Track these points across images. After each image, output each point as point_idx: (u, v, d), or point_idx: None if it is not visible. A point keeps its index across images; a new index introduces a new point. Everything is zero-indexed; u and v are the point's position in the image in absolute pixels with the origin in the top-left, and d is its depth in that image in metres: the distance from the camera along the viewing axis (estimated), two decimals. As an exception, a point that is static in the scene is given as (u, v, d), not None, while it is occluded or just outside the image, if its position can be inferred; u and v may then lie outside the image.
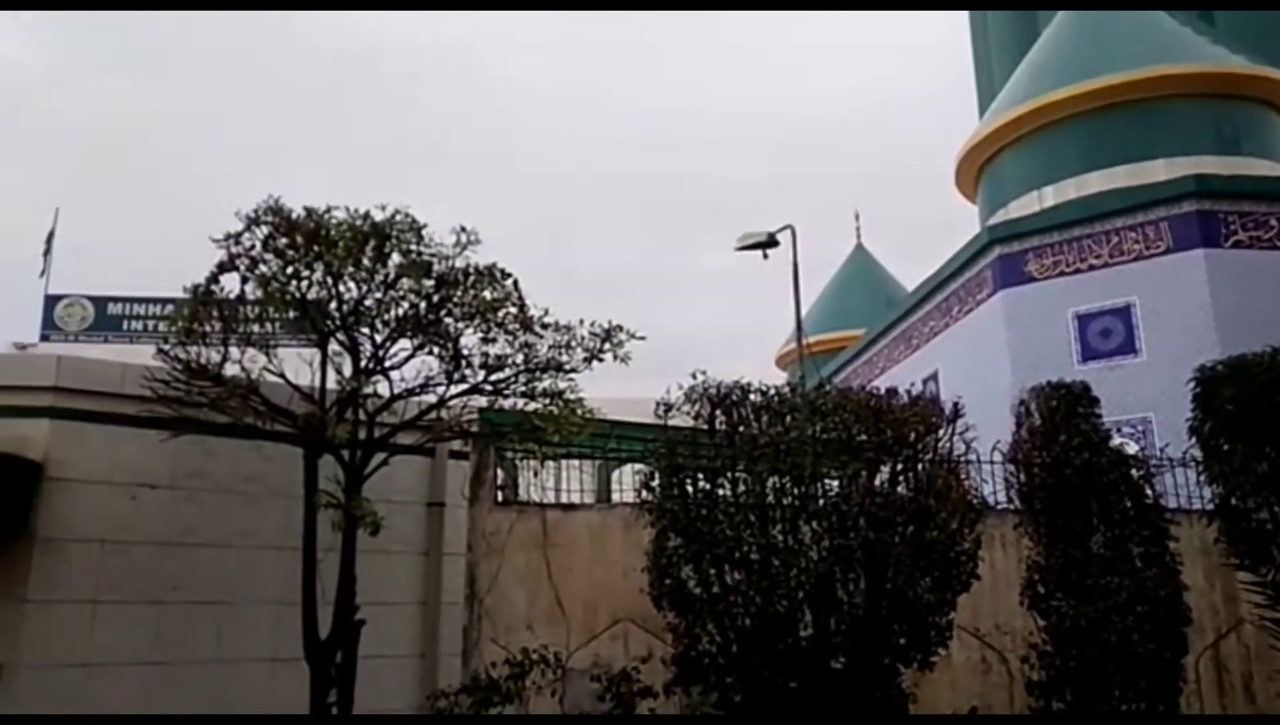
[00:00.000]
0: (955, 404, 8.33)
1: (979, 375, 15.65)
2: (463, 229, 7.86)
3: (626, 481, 11.42)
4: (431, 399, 8.20)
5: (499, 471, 10.57)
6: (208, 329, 7.44)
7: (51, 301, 25.86)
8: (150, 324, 30.41)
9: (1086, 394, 8.75)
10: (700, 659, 8.04)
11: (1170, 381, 12.36)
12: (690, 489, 8.04)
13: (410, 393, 7.94)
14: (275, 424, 7.67)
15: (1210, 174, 15.48)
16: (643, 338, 8.19)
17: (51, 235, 26.84)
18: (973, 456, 8.70)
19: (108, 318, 28.74)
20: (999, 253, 16.18)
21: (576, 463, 11.44)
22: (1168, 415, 10.44)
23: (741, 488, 7.86)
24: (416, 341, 8.09)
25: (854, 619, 7.60)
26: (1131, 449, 10.02)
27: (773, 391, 8.05)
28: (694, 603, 7.99)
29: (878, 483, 7.71)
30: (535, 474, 10.60)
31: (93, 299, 26.88)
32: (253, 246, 7.56)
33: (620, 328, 8.20)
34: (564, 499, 10.86)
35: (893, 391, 8.46)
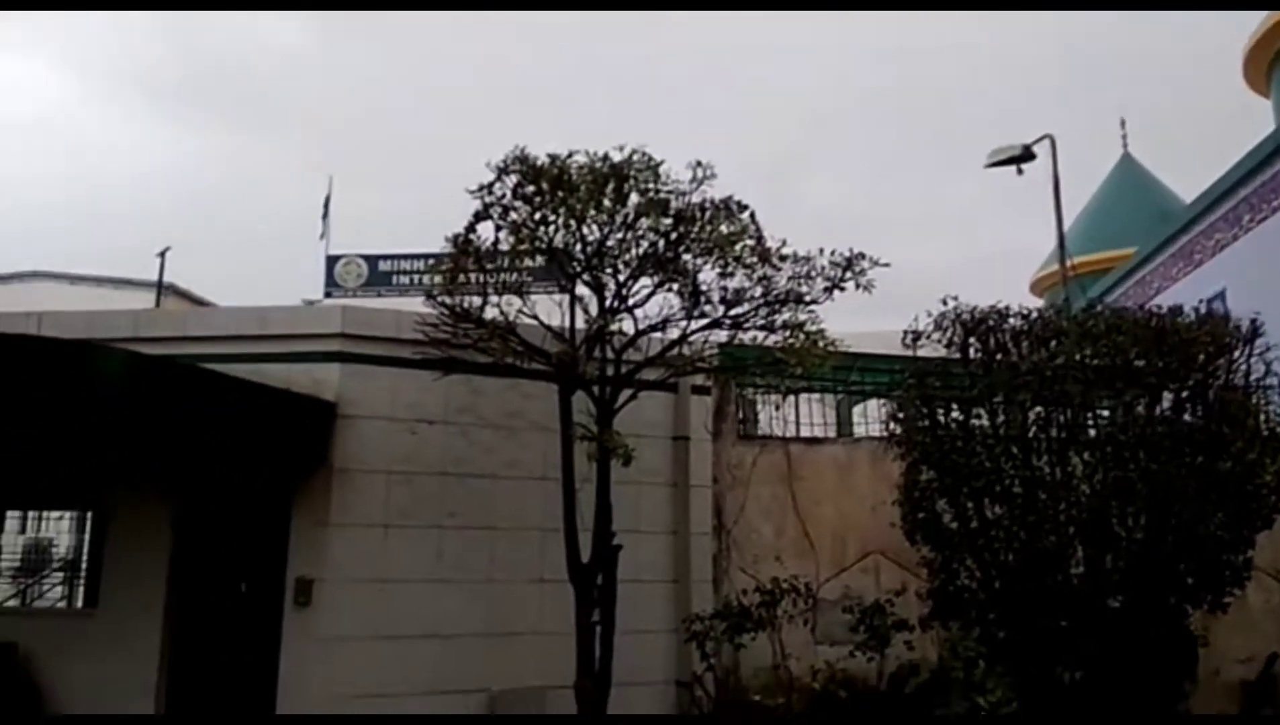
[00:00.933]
0: (1253, 321, 7.38)
1: (1277, 290, 13.76)
2: (699, 164, 7.86)
3: (870, 415, 11.14)
4: (674, 335, 8.35)
5: (740, 406, 10.64)
6: (469, 277, 7.95)
7: (331, 261, 28.68)
8: (416, 278, 32.99)
9: None
10: (959, 594, 7.77)
11: None
12: (943, 420, 7.70)
13: (653, 329, 8.11)
14: (532, 363, 8.11)
15: None
16: (887, 265, 7.88)
17: (328, 201, 29.67)
18: (1273, 380, 7.69)
19: (379, 273, 31.46)
20: (1302, 149, 14.07)
21: (818, 396, 11.29)
22: None
23: (1000, 418, 7.42)
24: (657, 279, 8.24)
25: (1133, 556, 7.03)
26: None
27: (1035, 315, 7.50)
28: (950, 537, 7.72)
29: (1158, 411, 7.01)
30: (777, 408, 10.61)
31: (366, 258, 29.61)
32: (503, 195, 7.95)
33: (862, 255, 7.93)
34: (804, 433, 10.77)
35: (1176, 310, 7.65)
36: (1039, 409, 7.12)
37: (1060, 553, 7.14)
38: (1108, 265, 25.30)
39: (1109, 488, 6.86)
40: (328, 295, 27.59)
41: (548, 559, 9.01)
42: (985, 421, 7.58)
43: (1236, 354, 7.29)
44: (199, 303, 28.78)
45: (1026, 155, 11.43)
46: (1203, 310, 8.13)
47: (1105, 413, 7.26)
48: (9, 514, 9.16)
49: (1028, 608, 7.35)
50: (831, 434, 10.99)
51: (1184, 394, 7.10)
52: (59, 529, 9.02)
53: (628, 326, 8.16)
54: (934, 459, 7.65)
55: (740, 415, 10.48)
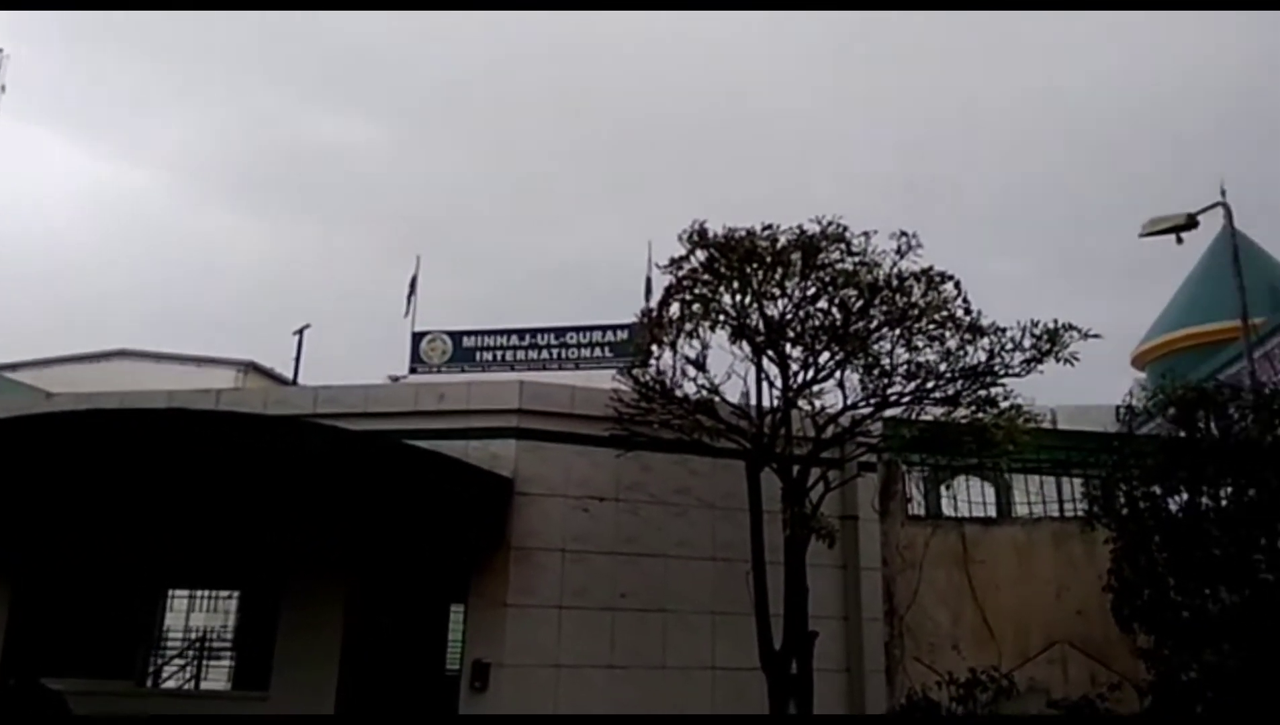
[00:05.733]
0: None
1: None
2: (903, 234, 7.66)
3: (1040, 493, 10.64)
4: (863, 411, 8.07)
5: (904, 484, 10.25)
6: (659, 352, 7.80)
7: (417, 338, 28.97)
8: (500, 354, 33.15)
9: None
10: (1190, 688, 7.21)
11: None
12: (1165, 500, 7.27)
13: (852, 407, 7.85)
14: (721, 440, 7.88)
15: None
16: (1098, 336, 7.55)
17: (414, 280, 30.18)
18: None
19: (463, 350, 31.73)
20: None
21: (966, 477, 10.85)
22: None
23: (1234, 498, 6.97)
24: (840, 354, 8.00)
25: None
26: None
27: (1268, 390, 7.10)
28: (1177, 626, 7.20)
29: None
30: (947, 487, 10.21)
31: (450, 334, 29.88)
32: (693, 269, 7.84)
33: (1070, 326, 7.60)
34: (956, 513, 10.32)
35: None
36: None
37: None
38: (1213, 338, 24.49)
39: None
40: (412, 371, 27.86)
41: (719, 645, 8.65)
42: (1212, 502, 7.12)
43: None
44: (280, 381, 29.10)
45: (1189, 224, 11.11)
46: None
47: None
48: (177, 594, 9.08)
49: (1273, 705, 6.77)
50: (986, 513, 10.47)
51: None
52: (227, 609, 8.90)
53: (819, 401, 7.90)
54: (1158, 543, 7.18)
55: (907, 494, 10.08)
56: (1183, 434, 7.12)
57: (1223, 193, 17.38)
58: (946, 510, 10.24)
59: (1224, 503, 7.11)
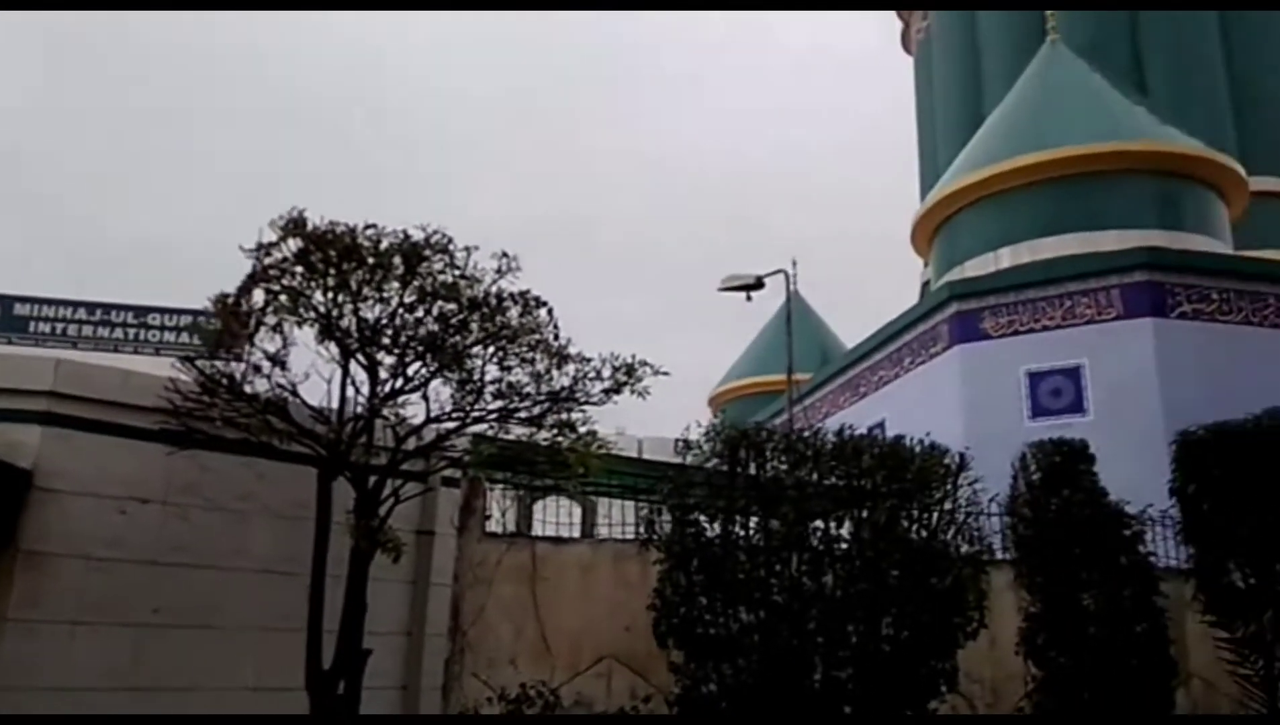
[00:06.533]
0: (962, 454, 8.59)
1: (929, 426, 15.96)
2: (504, 255, 7.77)
3: (609, 516, 11.32)
4: (449, 425, 8.03)
5: (485, 501, 10.36)
6: (234, 343, 7.16)
7: (-47, 300, 24.38)
8: (60, 327, 28.73)
9: (1085, 451, 9.14)
10: (707, 700, 8.00)
11: (1113, 441, 12.84)
12: (706, 528, 8.05)
13: (436, 419, 7.76)
14: (294, 444, 7.39)
15: (1162, 247, 16.58)
16: (667, 373, 8.21)
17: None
18: (974, 507, 8.94)
19: (14, 318, 27.12)
20: (956, 309, 16.81)
21: (556, 496, 11.29)
22: (1112, 472, 10.87)
23: (769, 528, 7.90)
24: (434, 366, 7.93)
25: (867, 663, 7.69)
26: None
27: (794, 435, 8.16)
28: (704, 642, 7.97)
29: (898, 528, 7.87)
30: (529, 506, 10.50)
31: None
32: (284, 259, 7.32)
33: (645, 362, 8.19)
34: (544, 532, 10.70)
35: (899, 438, 8.70)
36: (804, 523, 7.67)
37: (806, 659, 7.65)
38: (772, 388, 28.24)
39: (854, 598, 7.51)
40: (-60, 337, 23.43)
41: (266, 664, 8.07)
42: (744, 531, 8.02)
43: (948, 482, 8.40)
44: None
45: (758, 284, 12.61)
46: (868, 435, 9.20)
47: (848, 528, 7.98)
48: None
49: (772, 713, 7.73)
50: (576, 534, 10.98)
51: (915, 513, 8.03)
52: None
53: (405, 411, 7.73)
54: (694, 565, 7.92)
55: (487, 511, 10.20)
56: (725, 468, 7.93)
57: (794, 263, 20.05)
58: (537, 529, 10.52)
59: (752, 532, 8.01)
